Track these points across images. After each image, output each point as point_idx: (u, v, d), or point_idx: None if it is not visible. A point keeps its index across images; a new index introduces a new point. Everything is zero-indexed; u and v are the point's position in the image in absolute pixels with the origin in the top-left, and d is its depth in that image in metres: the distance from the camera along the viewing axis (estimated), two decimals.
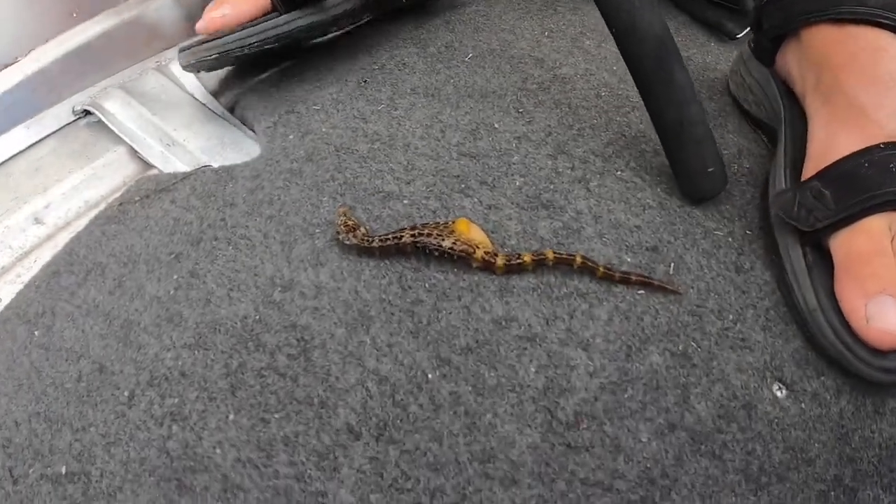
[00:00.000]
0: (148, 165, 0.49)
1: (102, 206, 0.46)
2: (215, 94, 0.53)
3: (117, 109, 0.52)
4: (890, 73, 0.35)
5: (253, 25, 0.46)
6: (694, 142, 0.35)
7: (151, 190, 0.43)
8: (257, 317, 0.33)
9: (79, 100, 0.55)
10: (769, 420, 0.30)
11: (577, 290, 0.33)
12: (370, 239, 0.34)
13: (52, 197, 0.49)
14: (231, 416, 0.30)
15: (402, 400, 0.29)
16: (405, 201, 0.37)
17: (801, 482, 0.29)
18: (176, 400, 0.31)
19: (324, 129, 0.44)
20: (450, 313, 0.32)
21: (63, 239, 0.45)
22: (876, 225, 0.32)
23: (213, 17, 0.48)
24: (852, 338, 0.30)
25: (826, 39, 0.38)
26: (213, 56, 0.47)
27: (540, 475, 0.28)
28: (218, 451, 0.29)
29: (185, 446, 0.29)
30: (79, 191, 0.49)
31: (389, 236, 0.34)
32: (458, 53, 0.52)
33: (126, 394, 0.32)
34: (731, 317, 0.33)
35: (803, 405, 0.30)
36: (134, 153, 0.50)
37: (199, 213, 0.39)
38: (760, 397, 0.31)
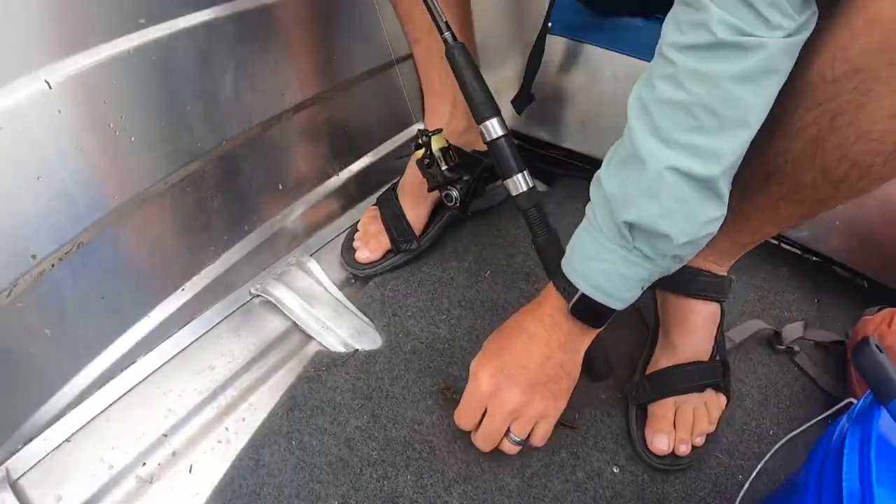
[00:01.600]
0: (308, 337, 0.97)
1: (287, 365, 0.93)
2: (342, 288, 1.01)
3: (283, 296, 0.99)
4: (692, 323, 0.89)
5: (381, 262, 1.00)
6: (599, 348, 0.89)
7: (329, 364, 0.91)
8: (412, 436, 0.84)
9: (250, 286, 1.00)
10: (608, 480, 0.86)
11: None
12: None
13: (252, 352, 0.95)
14: (410, 478, 0.81)
15: None
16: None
17: None
18: (390, 469, 0.81)
19: (417, 332, 0.95)
20: None
21: (270, 385, 0.91)
22: (668, 402, 0.88)
23: (359, 257, 1.00)
24: (649, 451, 0.87)
25: (668, 299, 0.87)
26: (361, 276, 1.00)
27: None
28: None
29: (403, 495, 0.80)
30: (265, 352, 0.95)
31: None
32: (482, 268, 1.04)
33: (357, 469, 0.81)
34: (599, 437, 0.89)
35: (625, 475, 0.87)
36: (296, 328, 0.98)
37: (365, 381, 0.89)
38: (607, 471, 0.86)
